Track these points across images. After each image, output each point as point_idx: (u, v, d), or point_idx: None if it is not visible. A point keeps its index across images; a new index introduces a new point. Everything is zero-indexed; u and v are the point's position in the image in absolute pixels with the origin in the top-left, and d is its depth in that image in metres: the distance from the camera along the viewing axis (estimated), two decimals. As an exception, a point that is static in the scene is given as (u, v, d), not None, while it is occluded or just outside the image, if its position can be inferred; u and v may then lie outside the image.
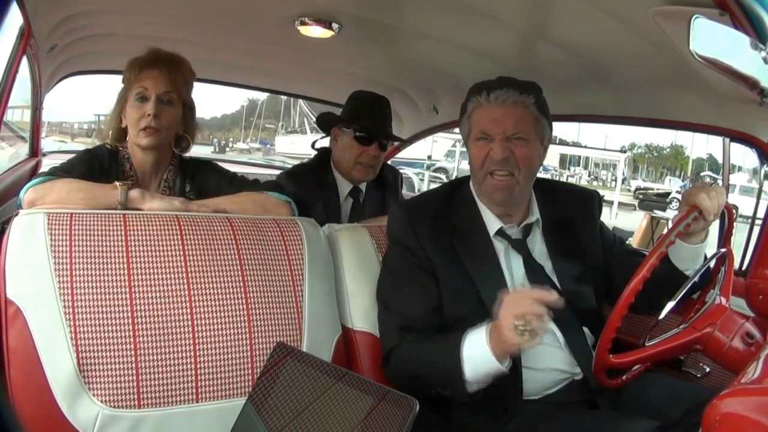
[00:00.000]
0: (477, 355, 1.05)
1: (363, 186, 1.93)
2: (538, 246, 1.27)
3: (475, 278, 1.19)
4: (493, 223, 1.24)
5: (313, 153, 2.02)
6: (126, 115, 1.38)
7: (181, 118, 1.41)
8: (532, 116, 1.20)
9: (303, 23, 1.67)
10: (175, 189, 1.43)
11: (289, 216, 1.36)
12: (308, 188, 1.82)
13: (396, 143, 2.57)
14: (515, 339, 0.98)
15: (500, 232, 1.24)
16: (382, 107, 1.89)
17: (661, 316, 1.08)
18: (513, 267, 1.24)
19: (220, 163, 1.59)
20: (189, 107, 1.45)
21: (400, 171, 2.28)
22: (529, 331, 0.96)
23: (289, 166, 2.19)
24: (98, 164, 1.36)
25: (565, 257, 1.26)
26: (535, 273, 1.23)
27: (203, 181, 1.45)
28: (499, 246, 1.24)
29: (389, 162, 2.74)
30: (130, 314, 1.07)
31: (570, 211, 1.31)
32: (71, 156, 1.41)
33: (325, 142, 1.99)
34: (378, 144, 1.82)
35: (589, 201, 1.36)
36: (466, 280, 1.19)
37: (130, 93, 1.37)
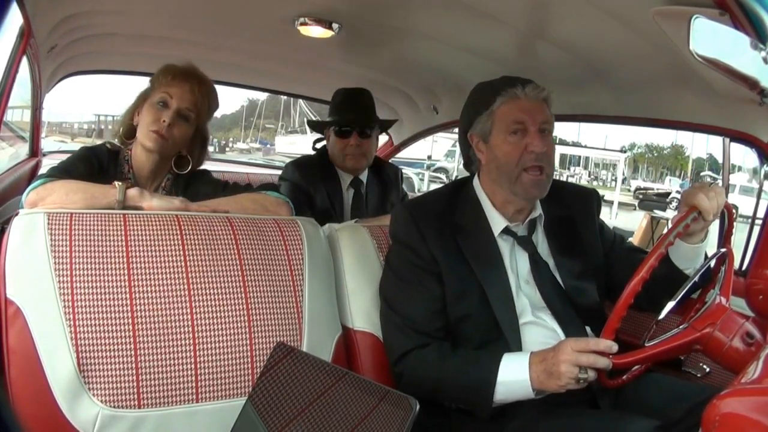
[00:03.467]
0: (514, 382, 1.08)
1: (364, 177, 1.98)
2: (540, 243, 1.27)
3: (480, 277, 1.19)
4: (498, 223, 1.24)
5: (313, 153, 2.09)
6: (140, 113, 1.39)
7: (190, 139, 1.42)
8: (550, 112, 1.24)
9: (303, 23, 1.68)
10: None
11: (289, 215, 1.36)
12: (313, 177, 1.91)
13: (390, 140, 2.60)
14: (571, 385, 1.03)
15: (506, 230, 1.24)
16: (356, 99, 1.95)
17: (661, 316, 1.07)
18: (518, 264, 1.24)
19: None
20: (201, 133, 1.47)
21: (400, 168, 2.30)
22: (586, 380, 1.02)
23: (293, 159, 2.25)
24: (97, 163, 1.37)
25: (567, 254, 1.26)
26: (539, 269, 1.23)
27: (196, 190, 1.44)
28: (504, 244, 1.24)
29: (390, 161, 2.76)
30: (130, 314, 1.07)
31: (570, 209, 1.32)
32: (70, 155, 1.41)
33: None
34: (358, 134, 1.88)
35: (589, 200, 1.37)
36: (471, 279, 1.20)
37: (154, 95, 1.38)
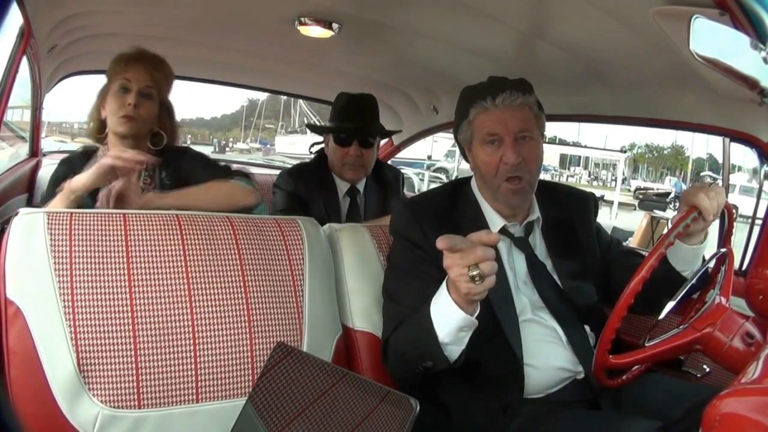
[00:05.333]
0: (443, 310, 1.03)
1: (361, 186, 1.96)
2: (538, 244, 1.28)
3: None
4: (496, 222, 1.25)
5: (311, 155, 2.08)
6: (105, 106, 1.47)
7: (157, 114, 1.50)
8: (534, 114, 1.22)
9: (303, 23, 1.68)
10: (156, 177, 1.49)
11: (256, 202, 1.42)
12: (309, 186, 1.87)
13: (390, 140, 2.59)
14: (472, 288, 0.95)
15: (503, 231, 1.25)
16: (359, 106, 1.91)
17: (661, 316, 1.07)
18: (516, 265, 1.24)
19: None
20: (166, 107, 1.55)
21: (401, 171, 2.29)
22: (481, 275, 0.94)
23: (289, 167, 2.23)
24: (72, 171, 1.39)
25: (565, 255, 1.27)
26: (537, 270, 1.24)
27: (177, 165, 1.50)
28: (502, 244, 1.24)
29: (389, 162, 2.76)
30: (130, 314, 1.07)
31: (568, 211, 1.33)
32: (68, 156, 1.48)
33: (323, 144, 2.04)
34: (358, 143, 1.85)
35: (586, 202, 1.38)
36: None
37: (113, 85, 1.46)
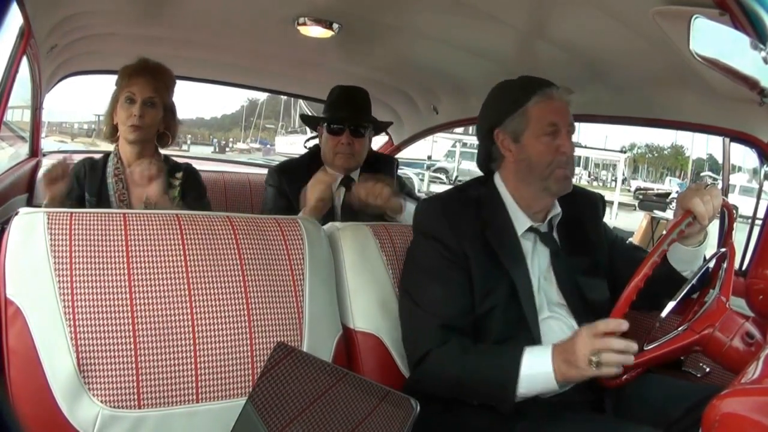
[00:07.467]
0: (537, 376, 1.05)
1: (356, 175, 1.96)
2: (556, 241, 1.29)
3: (509, 271, 1.19)
4: (521, 221, 1.25)
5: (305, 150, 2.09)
6: (116, 114, 1.64)
7: (162, 118, 1.67)
8: None
9: (303, 23, 1.68)
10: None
11: None
12: (298, 180, 1.86)
13: (390, 140, 2.59)
14: (590, 372, 1.00)
15: (529, 228, 1.25)
16: (351, 97, 1.93)
17: (662, 316, 1.07)
18: (539, 261, 1.25)
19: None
20: (170, 109, 1.71)
21: (400, 170, 2.28)
22: (599, 363, 0.98)
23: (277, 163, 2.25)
24: (77, 182, 1.62)
25: (578, 252, 1.28)
26: (560, 264, 1.24)
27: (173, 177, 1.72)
28: (526, 242, 1.25)
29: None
30: (130, 314, 1.06)
31: (579, 211, 1.34)
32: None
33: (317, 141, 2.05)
34: (349, 132, 1.86)
35: (596, 203, 1.40)
36: (499, 274, 1.18)
37: (121, 95, 1.63)
